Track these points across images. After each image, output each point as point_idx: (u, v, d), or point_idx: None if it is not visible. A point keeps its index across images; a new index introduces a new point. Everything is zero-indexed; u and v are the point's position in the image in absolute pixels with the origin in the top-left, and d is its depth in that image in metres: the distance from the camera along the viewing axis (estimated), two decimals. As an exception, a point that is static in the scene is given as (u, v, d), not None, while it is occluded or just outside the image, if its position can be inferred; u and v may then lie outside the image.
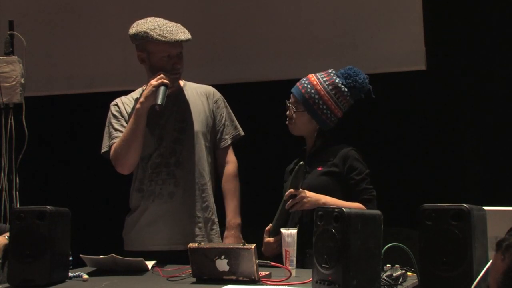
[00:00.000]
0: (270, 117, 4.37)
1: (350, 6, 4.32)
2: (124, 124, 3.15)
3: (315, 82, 3.03)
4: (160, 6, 4.57)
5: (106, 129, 3.21)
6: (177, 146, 3.16)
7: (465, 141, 4.13)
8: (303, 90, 3.03)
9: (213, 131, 3.27)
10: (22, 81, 4.26)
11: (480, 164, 4.09)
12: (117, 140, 3.12)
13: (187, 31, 3.14)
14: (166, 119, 3.19)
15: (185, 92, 3.25)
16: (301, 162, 2.91)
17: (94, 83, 4.80)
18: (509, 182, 3.90)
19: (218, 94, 3.32)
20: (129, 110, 3.18)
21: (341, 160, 2.97)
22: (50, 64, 4.95)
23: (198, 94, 3.26)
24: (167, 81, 3.05)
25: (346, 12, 4.33)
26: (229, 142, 3.31)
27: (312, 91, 3.01)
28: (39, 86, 4.80)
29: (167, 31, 3.07)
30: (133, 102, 3.21)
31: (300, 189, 2.88)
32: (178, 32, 3.09)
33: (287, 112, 3.09)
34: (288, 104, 3.09)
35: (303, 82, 3.06)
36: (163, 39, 3.05)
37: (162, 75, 3.05)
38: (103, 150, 3.19)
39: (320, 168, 3.00)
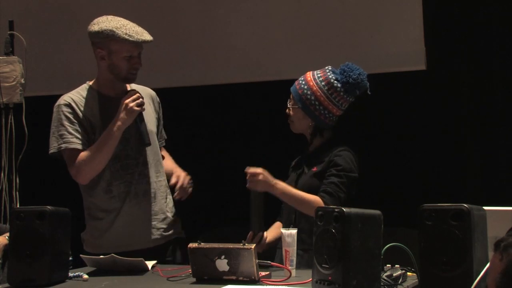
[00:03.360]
0: (270, 117, 4.38)
1: (350, 6, 4.32)
2: (79, 129, 3.07)
3: (310, 81, 3.03)
4: (160, 6, 4.57)
5: (55, 128, 3.10)
6: (142, 146, 3.15)
7: (465, 141, 4.13)
8: (300, 91, 3.04)
9: (158, 128, 3.33)
10: (22, 81, 4.26)
11: (480, 164, 4.09)
12: (70, 145, 3.04)
13: (147, 32, 3.15)
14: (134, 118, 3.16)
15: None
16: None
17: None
18: (509, 182, 3.90)
19: (157, 98, 3.36)
20: (85, 112, 3.11)
21: (330, 158, 2.97)
22: (50, 64, 4.94)
23: (147, 96, 3.28)
24: (143, 109, 3.05)
25: (346, 12, 4.33)
26: (164, 143, 3.38)
27: (308, 91, 3.01)
28: (39, 86, 4.79)
29: (133, 31, 3.07)
30: (86, 102, 3.14)
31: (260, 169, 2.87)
32: (142, 32, 3.10)
33: (286, 111, 3.11)
34: (287, 103, 3.11)
35: (300, 80, 3.07)
36: (130, 39, 3.04)
37: (140, 99, 3.04)
38: (51, 151, 3.11)
39: (315, 169, 3.00)
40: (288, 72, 4.36)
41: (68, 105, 3.12)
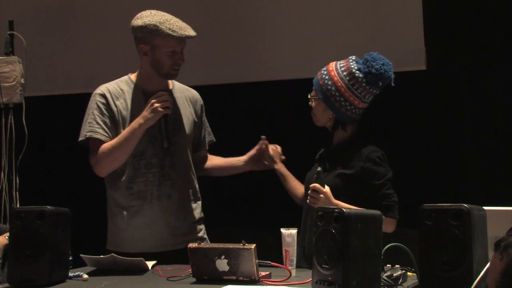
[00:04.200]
0: (271, 117, 4.38)
1: (350, 7, 4.32)
2: (108, 122, 3.07)
3: (331, 72, 2.92)
4: (159, 6, 4.56)
5: (87, 116, 3.11)
6: (167, 149, 3.11)
7: (465, 141, 4.13)
8: (321, 81, 2.93)
9: (195, 136, 3.28)
10: (22, 81, 4.26)
11: (480, 164, 4.09)
12: (94, 135, 3.04)
13: (191, 28, 3.12)
14: (159, 120, 3.12)
15: (175, 94, 3.22)
16: (318, 169, 2.82)
17: (94, 83, 4.77)
18: (509, 182, 3.90)
19: (201, 100, 3.33)
20: (119, 104, 3.11)
21: (360, 162, 2.85)
22: (50, 64, 4.94)
23: (186, 98, 3.25)
24: (169, 111, 3.02)
25: (346, 12, 4.33)
26: (207, 146, 3.36)
27: (329, 81, 2.90)
28: (39, 86, 4.80)
29: (177, 26, 3.04)
30: (122, 95, 3.13)
31: (325, 188, 2.77)
32: (186, 27, 3.07)
33: (309, 103, 3.01)
34: (309, 96, 3.01)
35: (322, 71, 2.95)
36: (174, 34, 3.01)
37: (168, 101, 3.00)
38: (79, 139, 3.11)
39: (339, 169, 2.89)
40: (288, 72, 4.37)
41: (103, 96, 3.12)
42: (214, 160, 3.37)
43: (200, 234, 3.19)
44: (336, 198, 2.78)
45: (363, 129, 3.00)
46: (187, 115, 3.21)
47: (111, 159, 3.03)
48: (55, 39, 4.95)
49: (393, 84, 2.94)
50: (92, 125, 3.07)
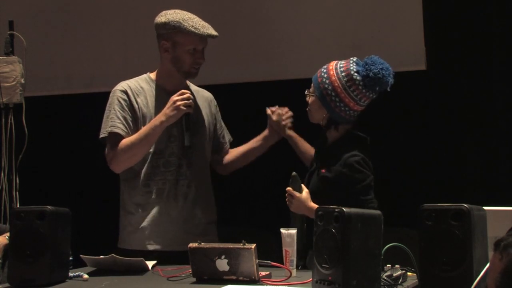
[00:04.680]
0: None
1: (350, 6, 4.32)
2: (128, 118, 3.07)
3: (331, 71, 2.91)
4: (159, 6, 4.56)
5: (108, 112, 3.11)
6: (189, 147, 3.11)
7: (465, 141, 4.13)
8: (319, 79, 2.92)
9: (215, 137, 3.31)
10: (22, 81, 4.25)
11: (480, 164, 4.09)
12: (114, 129, 3.04)
13: (213, 28, 3.13)
14: (179, 120, 3.11)
15: (193, 96, 3.21)
16: (293, 173, 2.84)
17: (94, 83, 4.79)
18: (509, 182, 3.90)
19: (215, 101, 3.36)
20: (139, 101, 3.11)
21: (340, 167, 2.84)
22: (50, 64, 4.94)
23: (203, 98, 3.27)
24: (191, 110, 3.02)
25: (346, 12, 4.33)
26: (229, 145, 3.37)
27: (327, 80, 2.89)
28: (39, 86, 4.79)
29: (200, 24, 3.06)
30: (142, 92, 3.14)
31: (302, 192, 2.82)
32: (208, 27, 3.09)
33: (306, 98, 3.01)
34: (306, 92, 3.01)
35: (322, 69, 2.95)
36: (196, 31, 3.03)
37: (190, 100, 3.00)
38: (101, 135, 3.11)
39: (323, 171, 2.91)
40: (288, 72, 4.37)
41: (124, 92, 3.12)
42: (234, 153, 3.38)
43: (213, 236, 3.20)
44: (318, 201, 2.77)
45: (353, 132, 2.98)
46: (207, 116, 3.24)
47: (129, 155, 3.04)
48: (55, 39, 4.95)
49: (388, 90, 2.92)
50: (114, 120, 3.06)
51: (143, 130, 3.03)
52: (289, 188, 2.82)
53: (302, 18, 4.42)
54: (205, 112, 3.24)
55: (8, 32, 4.32)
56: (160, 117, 3.00)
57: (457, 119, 4.15)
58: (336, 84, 2.88)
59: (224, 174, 3.40)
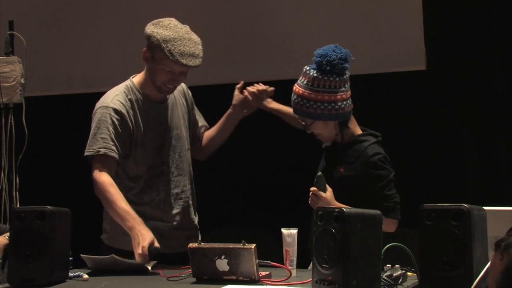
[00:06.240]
0: (271, 117, 4.37)
1: (350, 6, 4.32)
2: (120, 139, 2.98)
3: (296, 90, 2.91)
4: (160, 6, 4.57)
5: (96, 130, 3.01)
6: (176, 153, 3.14)
7: (465, 141, 4.13)
8: (297, 106, 2.93)
9: (193, 129, 3.29)
10: (22, 81, 4.25)
11: (480, 164, 4.09)
12: (109, 152, 2.96)
13: (200, 55, 3.00)
14: (165, 128, 3.13)
15: (173, 95, 3.20)
16: (319, 173, 2.83)
17: (94, 83, 4.79)
18: (509, 182, 3.90)
19: (187, 89, 3.30)
20: (133, 119, 3.04)
21: (362, 166, 2.87)
22: (50, 64, 4.95)
23: (180, 94, 3.24)
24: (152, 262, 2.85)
25: (346, 12, 4.33)
26: (207, 127, 3.34)
27: (300, 99, 2.90)
28: (39, 86, 4.80)
29: (179, 50, 2.93)
30: (132, 107, 3.06)
31: (327, 192, 2.80)
32: (190, 55, 2.96)
33: (308, 132, 3.00)
34: (301, 127, 3.03)
35: (293, 98, 2.95)
36: (171, 58, 2.93)
37: (156, 245, 2.82)
38: (88, 153, 3.01)
39: (341, 169, 2.92)
40: (288, 72, 4.36)
41: (119, 112, 3.01)
42: (208, 134, 3.34)
43: (199, 237, 3.20)
44: (339, 200, 2.80)
45: (367, 130, 3.01)
46: (183, 113, 3.23)
47: (101, 199, 3.03)
48: (55, 39, 4.95)
49: (353, 58, 2.89)
50: (107, 142, 2.98)
51: (118, 210, 2.92)
52: (314, 188, 2.80)
53: (302, 18, 4.42)
54: (182, 111, 3.22)
55: (8, 32, 4.32)
56: (132, 226, 2.85)
57: (457, 119, 4.16)
58: (307, 93, 2.87)
59: (202, 159, 3.36)
